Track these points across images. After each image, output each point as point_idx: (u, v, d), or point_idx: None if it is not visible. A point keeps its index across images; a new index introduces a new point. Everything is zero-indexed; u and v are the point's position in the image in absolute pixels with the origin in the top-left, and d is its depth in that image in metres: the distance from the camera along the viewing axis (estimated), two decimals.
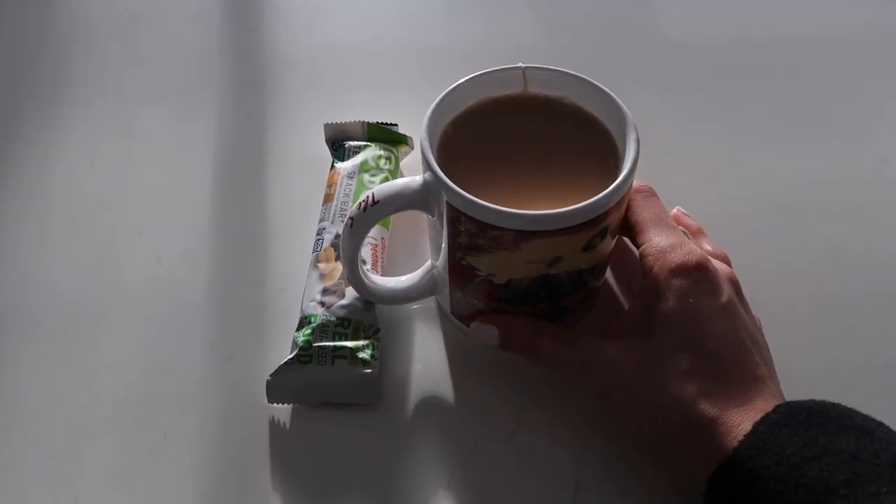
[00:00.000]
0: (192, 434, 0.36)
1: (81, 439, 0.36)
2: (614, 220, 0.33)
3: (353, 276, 0.35)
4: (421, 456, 0.35)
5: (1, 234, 0.45)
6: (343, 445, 0.35)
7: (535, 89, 0.36)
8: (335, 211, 0.41)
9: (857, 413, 0.29)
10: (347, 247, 0.34)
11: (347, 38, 0.58)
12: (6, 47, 0.57)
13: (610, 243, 0.34)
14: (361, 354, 0.36)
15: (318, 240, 0.40)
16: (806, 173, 0.47)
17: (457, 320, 0.38)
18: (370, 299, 0.37)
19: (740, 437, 0.28)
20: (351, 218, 0.33)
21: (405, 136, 0.46)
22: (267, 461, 0.35)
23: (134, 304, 0.41)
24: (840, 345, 0.38)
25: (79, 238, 0.44)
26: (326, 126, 0.45)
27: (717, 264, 0.34)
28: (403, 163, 0.46)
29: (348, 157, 0.44)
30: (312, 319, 0.37)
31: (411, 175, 0.33)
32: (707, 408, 0.30)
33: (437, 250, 0.35)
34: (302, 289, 0.39)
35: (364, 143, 0.45)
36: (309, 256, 0.40)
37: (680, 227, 0.36)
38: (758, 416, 0.29)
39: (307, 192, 0.45)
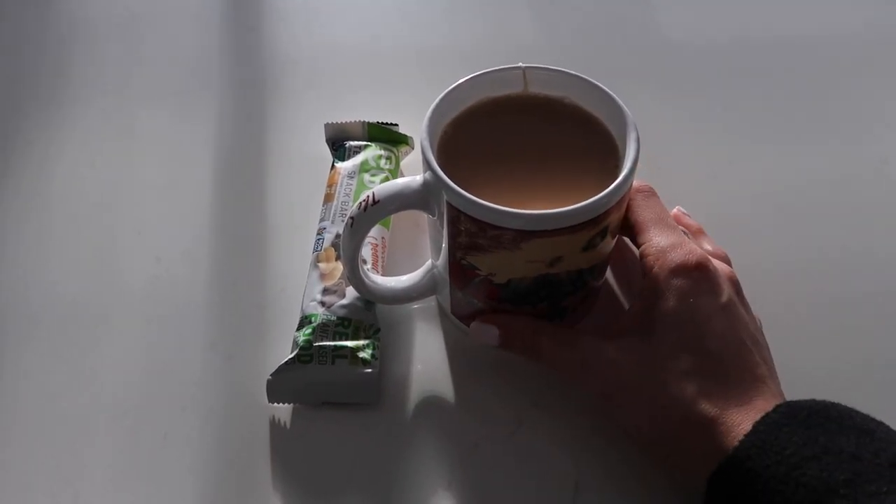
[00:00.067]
0: (192, 434, 0.36)
1: (81, 439, 0.36)
2: (614, 219, 0.33)
3: (354, 275, 0.35)
4: (421, 456, 0.35)
5: (1, 234, 0.45)
6: (343, 445, 0.35)
7: (536, 89, 0.36)
8: (335, 211, 0.41)
9: (857, 413, 0.29)
10: (348, 246, 0.34)
11: (347, 38, 0.58)
12: (6, 47, 0.57)
13: (610, 243, 0.34)
14: (362, 354, 0.36)
15: (319, 240, 0.40)
16: (806, 173, 0.47)
17: (457, 320, 0.38)
18: (370, 299, 0.37)
19: (740, 437, 0.28)
20: (351, 217, 0.33)
21: (405, 135, 0.46)
22: (267, 461, 0.35)
23: (134, 304, 0.41)
24: (840, 345, 0.38)
25: (79, 238, 0.44)
26: (327, 126, 0.45)
27: (718, 264, 0.34)
28: (404, 163, 0.46)
29: (349, 157, 0.44)
30: (313, 319, 0.37)
31: (411, 175, 0.33)
32: (707, 407, 0.30)
33: (437, 250, 0.35)
34: (302, 289, 0.39)
35: (364, 142, 0.45)
36: (309, 256, 0.40)
37: (680, 227, 0.36)
38: (758, 416, 0.29)
39: (307, 192, 0.45)
